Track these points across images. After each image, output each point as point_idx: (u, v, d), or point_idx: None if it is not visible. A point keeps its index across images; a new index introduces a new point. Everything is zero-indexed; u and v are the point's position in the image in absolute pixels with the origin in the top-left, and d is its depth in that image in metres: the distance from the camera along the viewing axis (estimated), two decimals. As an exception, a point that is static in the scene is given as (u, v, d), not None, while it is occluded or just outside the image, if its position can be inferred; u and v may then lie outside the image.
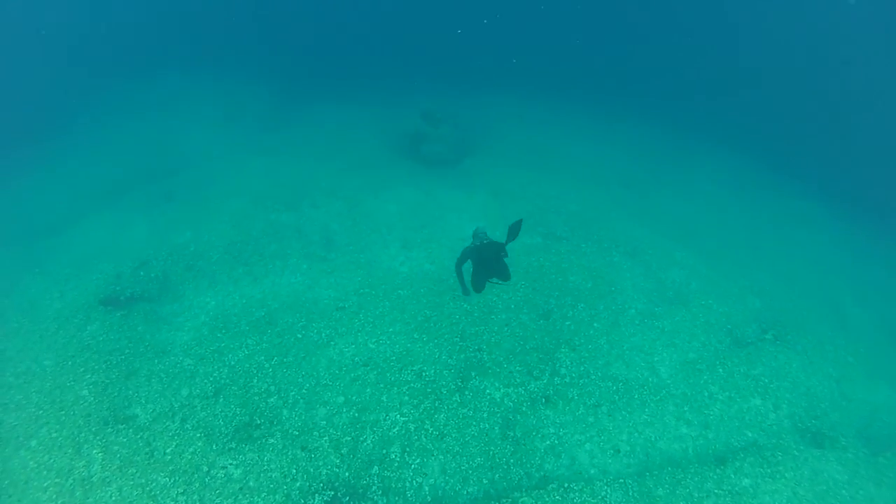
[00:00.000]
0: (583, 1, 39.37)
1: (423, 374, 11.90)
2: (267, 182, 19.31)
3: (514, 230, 10.59)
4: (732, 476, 10.52)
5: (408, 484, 9.96)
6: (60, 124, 25.04)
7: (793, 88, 33.50)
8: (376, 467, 10.16)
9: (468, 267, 11.54)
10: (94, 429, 10.55)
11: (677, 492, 10.12)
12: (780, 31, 37.23)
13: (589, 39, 38.76)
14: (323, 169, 20.62)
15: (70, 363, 11.95)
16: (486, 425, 11.00)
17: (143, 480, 9.69)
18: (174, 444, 10.36)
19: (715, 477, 10.47)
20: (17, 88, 27.21)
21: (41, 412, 10.82)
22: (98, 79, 29.51)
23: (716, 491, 10.21)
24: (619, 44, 38.74)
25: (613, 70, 35.38)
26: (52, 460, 9.96)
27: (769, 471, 10.68)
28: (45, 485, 9.55)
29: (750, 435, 11.62)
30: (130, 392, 11.36)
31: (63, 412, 10.83)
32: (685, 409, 11.90)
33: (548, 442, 10.89)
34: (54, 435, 10.40)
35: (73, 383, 11.46)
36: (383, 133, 24.52)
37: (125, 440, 10.37)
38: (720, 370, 12.91)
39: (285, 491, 9.68)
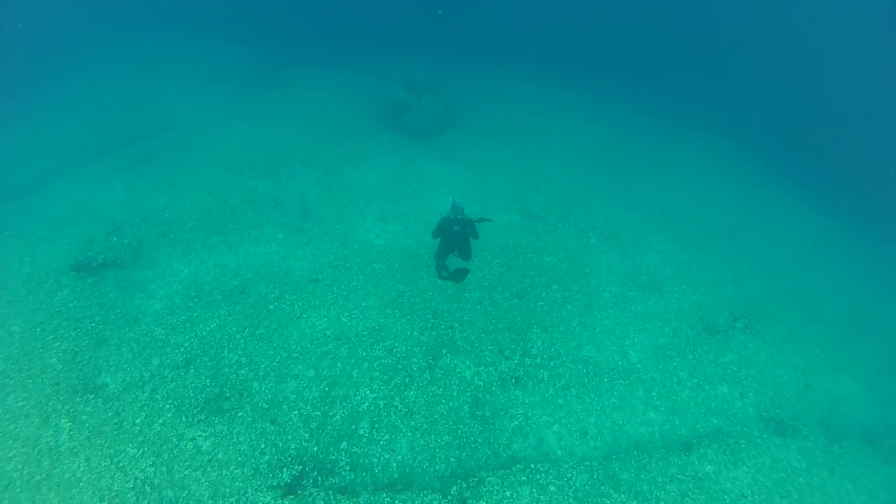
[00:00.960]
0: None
1: (395, 350, 11.95)
2: (246, 148, 18.95)
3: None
4: (696, 462, 10.78)
5: (375, 460, 10.06)
6: (38, 77, 24.30)
7: (783, 82, 33.57)
8: (345, 443, 10.24)
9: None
10: (62, 398, 10.47)
11: (641, 476, 10.35)
12: (772, 23, 37.10)
13: (584, 20, 38.36)
14: (303, 136, 20.28)
15: (39, 330, 11.78)
16: (456, 404, 11.10)
17: (112, 451, 9.68)
18: (143, 414, 10.34)
19: (679, 462, 10.71)
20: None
21: (8, 380, 10.70)
22: (79, 32, 28.65)
23: (679, 476, 10.45)
24: (616, 25, 38.35)
25: (607, 50, 35.06)
26: (17, 429, 9.88)
27: (732, 458, 10.97)
28: (11, 454, 9.49)
29: (716, 422, 11.88)
30: (100, 361, 11.26)
31: (30, 380, 10.71)
32: (654, 394, 12.10)
33: (516, 422, 11.03)
34: (21, 403, 10.30)
35: (41, 350, 11.32)
36: (368, 100, 24.13)
37: (94, 410, 10.31)
38: (690, 357, 13.11)
39: (253, 464, 9.73)
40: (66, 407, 10.31)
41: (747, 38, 37.36)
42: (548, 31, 36.84)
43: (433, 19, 34.78)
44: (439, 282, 13.73)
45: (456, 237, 12.38)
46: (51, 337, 11.64)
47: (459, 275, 11.91)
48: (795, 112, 30.74)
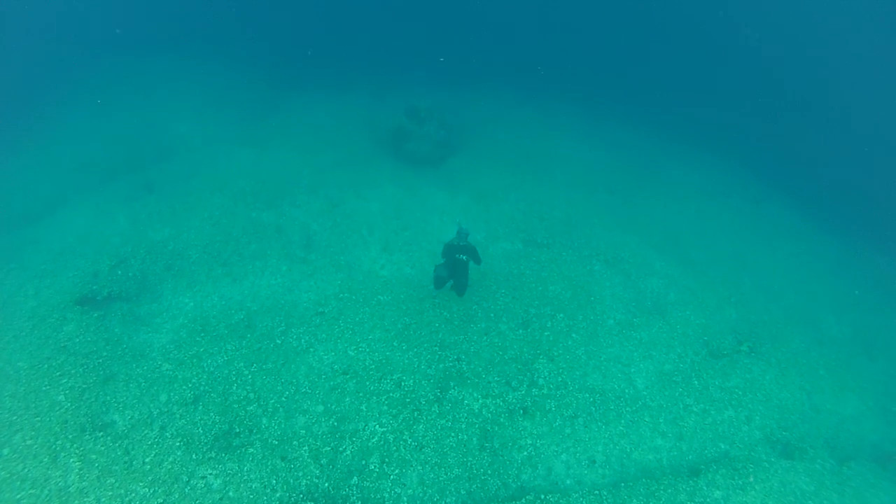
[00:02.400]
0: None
1: (403, 383, 11.97)
2: (248, 177, 19.05)
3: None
4: (705, 488, 10.77)
5: (386, 495, 10.06)
6: (41, 106, 24.36)
7: (780, 99, 33.78)
8: (356, 478, 10.23)
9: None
10: (70, 436, 10.45)
11: (650, 503, 10.31)
12: (769, 40, 37.42)
13: (582, 42, 38.60)
14: (305, 164, 20.39)
15: (45, 366, 11.78)
16: (465, 436, 11.11)
17: (122, 491, 9.65)
18: (153, 452, 10.33)
19: (688, 489, 10.70)
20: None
21: (15, 418, 10.68)
22: (82, 59, 28.75)
23: (688, 503, 10.42)
24: (612, 48, 38.57)
25: (604, 73, 35.23)
26: (26, 470, 9.84)
27: (740, 482, 10.96)
28: (19, 496, 9.44)
29: (723, 446, 11.89)
30: (108, 397, 11.26)
31: (38, 418, 10.70)
32: (660, 420, 12.12)
33: (525, 453, 11.04)
34: (29, 442, 10.27)
35: (48, 388, 11.30)
36: (368, 126, 24.25)
37: (103, 448, 10.29)
38: (696, 382, 13.15)
39: (265, 502, 9.71)
40: (75, 446, 10.29)
41: (743, 56, 37.65)
42: (547, 52, 37.00)
43: (432, 43, 34.97)
44: (445, 313, 13.83)
45: (457, 266, 12.75)
46: (58, 373, 11.63)
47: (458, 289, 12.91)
48: (792, 128, 30.87)
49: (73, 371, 11.72)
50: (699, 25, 38.56)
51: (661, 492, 10.56)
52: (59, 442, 10.33)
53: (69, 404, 11.02)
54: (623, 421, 11.94)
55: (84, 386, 11.42)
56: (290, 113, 25.44)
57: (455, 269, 13.22)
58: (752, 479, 11.07)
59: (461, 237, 13.21)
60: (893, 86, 32.37)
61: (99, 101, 25.36)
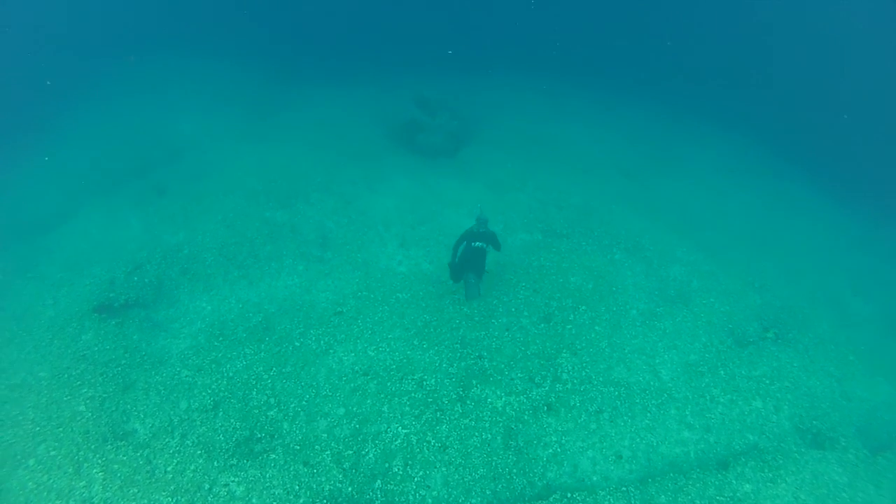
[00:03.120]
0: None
1: (424, 383, 11.80)
2: (260, 176, 18.93)
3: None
4: (734, 481, 10.49)
5: (411, 497, 9.92)
6: (48, 111, 24.37)
7: (796, 75, 33.14)
8: (379, 481, 10.10)
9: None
10: (93, 446, 10.42)
11: (679, 499, 10.10)
12: (783, 21, 36.66)
13: (591, 24, 38.10)
14: (317, 160, 20.24)
15: (66, 376, 11.77)
16: (489, 435, 10.93)
17: (146, 501, 9.59)
18: (175, 461, 10.26)
19: (717, 483, 10.44)
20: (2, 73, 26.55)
21: (38, 429, 10.68)
22: (86, 61, 28.78)
23: (718, 497, 10.20)
24: (622, 23, 38.04)
25: (614, 54, 34.79)
26: (51, 480, 9.83)
27: (770, 475, 10.66)
28: (46, 509, 9.43)
29: (751, 438, 11.60)
30: (128, 406, 11.22)
31: (61, 429, 10.68)
32: (687, 412, 11.86)
33: (550, 450, 10.84)
34: (52, 453, 10.26)
35: (69, 398, 11.29)
36: (379, 119, 24.07)
37: (125, 458, 10.24)
38: (722, 372, 12.86)
39: (288, 509, 9.63)
40: (98, 456, 10.25)
41: (757, 33, 36.95)
42: (556, 34, 36.58)
43: (439, 33, 34.68)
44: (465, 309, 13.65)
45: (475, 253, 12.69)
46: (78, 383, 11.62)
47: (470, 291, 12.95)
48: (807, 103, 30.29)
49: (92, 380, 11.70)
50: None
51: (690, 486, 10.31)
52: (82, 452, 10.30)
53: (90, 414, 10.99)
54: (649, 414, 11.68)
55: (104, 395, 11.38)
56: (298, 107, 25.34)
57: (472, 256, 13.17)
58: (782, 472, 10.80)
59: (481, 224, 13.35)
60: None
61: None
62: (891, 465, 11.26)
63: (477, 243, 13.17)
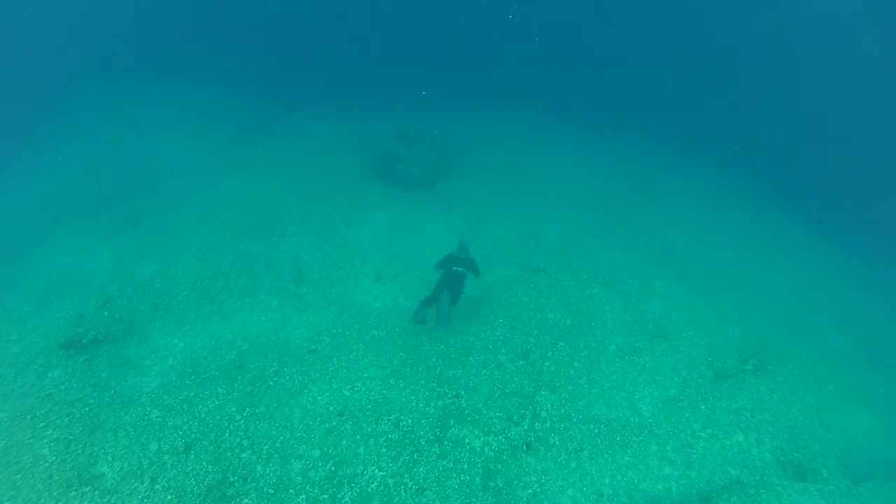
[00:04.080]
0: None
1: (401, 423, 11.54)
2: (236, 206, 18.67)
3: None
4: (717, 518, 10.38)
5: (388, 543, 9.65)
6: (20, 134, 23.86)
7: (778, 109, 33.72)
8: (355, 527, 9.82)
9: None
10: (55, 493, 9.96)
11: (661, 538, 9.97)
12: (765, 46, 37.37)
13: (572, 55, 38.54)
14: (294, 191, 20.02)
15: (29, 416, 11.32)
16: (467, 476, 10.70)
17: (110, 552, 9.22)
18: (144, 508, 9.89)
19: (699, 520, 10.32)
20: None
21: (-5, 476, 10.22)
22: (62, 85, 28.36)
23: (700, 535, 10.08)
24: (604, 61, 38.50)
25: (597, 88, 35.12)
26: (7, 533, 9.41)
27: (753, 510, 10.55)
28: (1, 565, 9.01)
29: (733, 472, 11.51)
30: (96, 448, 10.80)
31: (19, 475, 10.19)
32: (668, 448, 11.74)
33: (530, 490, 10.63)
34: (8, 503, 9.79)
35: (31, 441, 10.82)
36: (357, 150, 23.97)
37: (90, 505, 9.85)
38: (702, 406, 12.79)
39: (260, 558, 9.30)
40: None
41: (737, 65, 37.60)
42: (538, 69, 36.92)
43: (421, 63, 34.89)
44: (442, 346, 13.51)
45: (455, 277, 12.83)
46: (41, 424, 11.16)
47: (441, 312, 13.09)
48: (788, 139, 30.76)
49: (58, 421, 11.25)
50: (694, 36, 38.56)
51: (673, 525, 10.19)
52: (43, 500, 9.84)
53: (54, 458, 10.53)
54: (630, 451, 11.54)
55: (70, 437, 10.95)
56: (277, 137, 25.21)
57: (452, 281, 13.39)
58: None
59: (462, 250, 13.80)
60: (890, 93, 32.34)
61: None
62: (871, 496, 11.22)
63: (457, 268, 13.58)
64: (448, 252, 14.08)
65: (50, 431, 11.05)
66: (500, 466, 10.94)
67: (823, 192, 26.08)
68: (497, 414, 11.91)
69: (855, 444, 12.75)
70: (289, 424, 11.43)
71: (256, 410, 11.69)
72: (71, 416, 11.41)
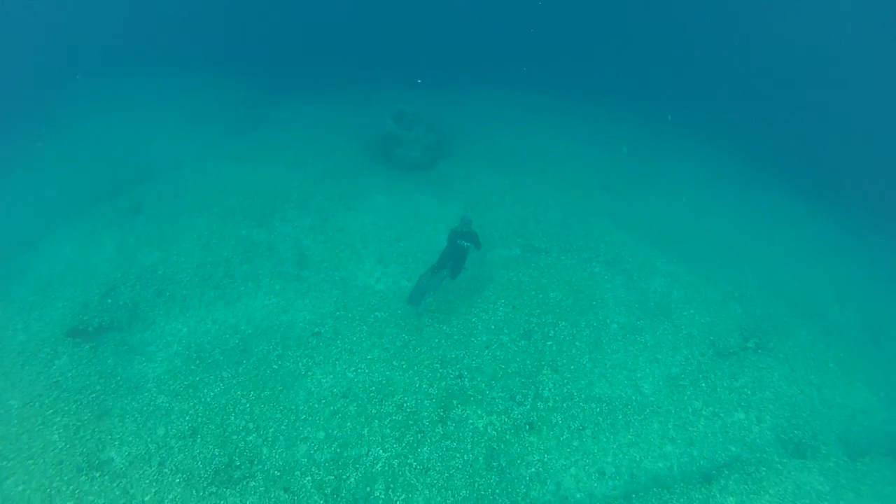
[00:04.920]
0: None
1: (405, 405, 11.66)
2: (237, 193, 18.65)
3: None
4: (718, 495, 10.48)
5: (394, 522, 9.79)
6: (19, 127, 23.90)
7: (775, 84, 33.45)
8: (361, 506, 9.96)
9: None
10: (66, 478, 10.11)
11: (663, 514, 10.09)
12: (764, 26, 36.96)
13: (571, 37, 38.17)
14: (294, 176, 19.99)
15: (38, 404, 11.44)
16: (470, 456, 10.83)
17: (121, 534, 9.37)
18: (153, 490, 10.01)
19: (700, 497, 10.42)
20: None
21: (6, 462, 10.33)
22: (58, 77, 28.31)
23: (701, 512, 10.18)
24: (602, 42, 38.13)
25: (595, 68, 34.83)
26: (20, 517, 9.55)
27: (754, 487, 10.65)
28: (13, 549, 9.16)
29: (734, 450, 11.61)
30: (104, 434, 10.93)
31: (31, 461, 10.35)
32: (669, 426, 11.85)
33: (533, 469, 10.77)
34: (21, 487, 9.93)
35: (41, 427, 10.96)
36: (356, 135, 23.85)
37: (100, 489, 9.97)
38: (703, 384, 12.88)
39: (268, 538, 9.45)
40: (71, 488, 9.95)
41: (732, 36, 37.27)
42: (534, 47, 36.60)
43: (417, 45, 34.62)
44: (444, 327, 13.62)
45: (457, 251, 12.93)
46: (50, 411, 11.29)
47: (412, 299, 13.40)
48: (785, 112, 30.58)
49: (66, 408, 11.38)
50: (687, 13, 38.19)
51: (674, 501, 10.29)
52: (55, 485, 9.99)
53: (63, 444, 10.68)
54: (632, 429, 11.66)
55: (78, 423, 11.08)
56: (274, 123, 25.13)
57: (455, 254, 13.46)
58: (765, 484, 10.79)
59: (465, 224, 14.04)
60: (888, 67, 32.11)
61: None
62: (869, 471, 11.33)
63: (461, 242, 13.67)
64: (451, 227, 14.31)
65: (59, 418, 11.17)
66: (503, 446, 11.07)
67: (819, 165, 25.93)
68: (500, 394, 12.02)
69: (855, 421, 12.85)
70: (293, 407, 11.55)
71: (261, 394, 11.81)
72: (79, 402, 11.53)
